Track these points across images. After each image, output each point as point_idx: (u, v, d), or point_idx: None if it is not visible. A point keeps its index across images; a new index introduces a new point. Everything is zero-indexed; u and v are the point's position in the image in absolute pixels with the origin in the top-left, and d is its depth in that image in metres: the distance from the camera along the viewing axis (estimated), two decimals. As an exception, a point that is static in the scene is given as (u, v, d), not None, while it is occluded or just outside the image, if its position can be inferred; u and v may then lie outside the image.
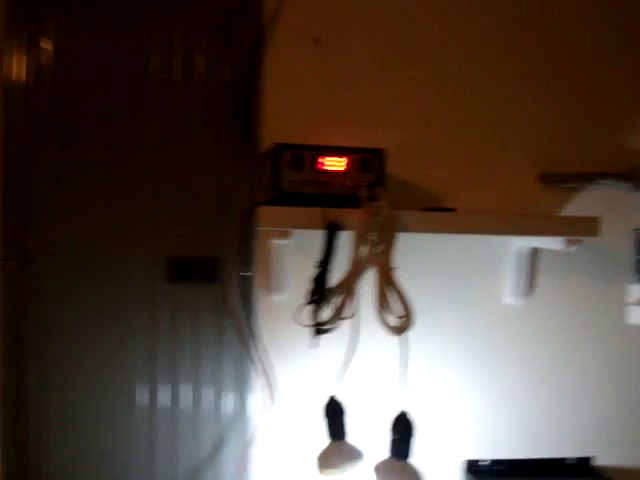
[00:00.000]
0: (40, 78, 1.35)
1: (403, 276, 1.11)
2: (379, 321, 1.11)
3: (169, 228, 1.40)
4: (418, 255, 1.45)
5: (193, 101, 1.39)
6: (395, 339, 1.12)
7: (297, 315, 1.15)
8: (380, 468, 1.14)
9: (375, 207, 1.13)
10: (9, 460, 1.39)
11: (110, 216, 1.38)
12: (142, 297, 1.40)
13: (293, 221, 1.16)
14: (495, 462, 1.51)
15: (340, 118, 1.42)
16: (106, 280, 1.39)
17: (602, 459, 1.55)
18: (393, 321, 1.11)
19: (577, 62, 1.49)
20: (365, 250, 1.13)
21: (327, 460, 1.18)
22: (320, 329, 1.13)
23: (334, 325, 1.14)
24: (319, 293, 1.12)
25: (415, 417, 1.14)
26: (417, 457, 1.14)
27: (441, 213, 1.22)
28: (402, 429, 1.12)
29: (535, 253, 1.49)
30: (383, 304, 1.11)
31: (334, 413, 1.20)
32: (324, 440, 1.20)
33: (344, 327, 1.15)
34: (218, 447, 1.44)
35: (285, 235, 1.19)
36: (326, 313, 1.15)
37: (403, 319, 1.11)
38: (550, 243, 1.32)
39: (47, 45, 1.35)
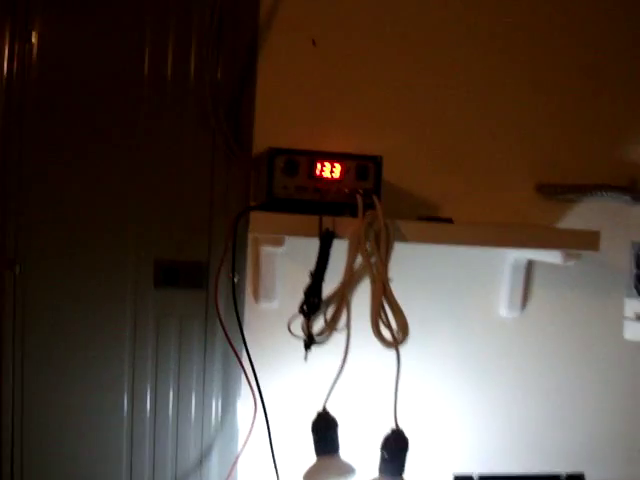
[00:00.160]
0: (27, 76, 1.30)
1: (396, 287, 1.08)
2: (374, 334, 1.07)
3: (156, 231, 1.35)
4: (411, 265, 1.41)
5: (184, 102, 1.34)
6: (389, 352, 1.09)
7: (289, 326, 1.11)
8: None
9: (371, 216, 1.09)
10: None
11: (96, 217, 1.33)
12: (127, 302, 1.35)
13: (286, 228, 1.12)
14: (486, 477, 1.48)
15: (336, 122, 1.39)
16: (91, 284, 1.34)
17: (595, 475, 1.52)
18: (388, 335, 1.08)
19: (577, 72, 1.46)
20: (360, 260, 1.09)
21: (316, 476, 1.14)
22: (312, 341, 1.09)
23: (326, 337, 1.11)
24: (312, 304, 1.08)
25: (407, 433, 1.10)
26: (407, 471, 1.10)
27: (439, 224, 1.19)
28: (394, 447, 1.08)
29: (531, 265, 1.46)
30: (378, 317, 1.07)
31: (325, 427, 1.16)
32: (314, 454, 1.16)
33: (336, 338, 1.11)
34: (204, 456, 1.39)
35: (278, 242, 1.15)
36: (318, 325, 1.11)
37: (398, 333, 1.07)
38: (548, 256, 1.30)
39: (34, 41, 1.30)
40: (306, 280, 1.10)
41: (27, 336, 1.33)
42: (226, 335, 1.29)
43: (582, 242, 1.23)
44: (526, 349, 1.48)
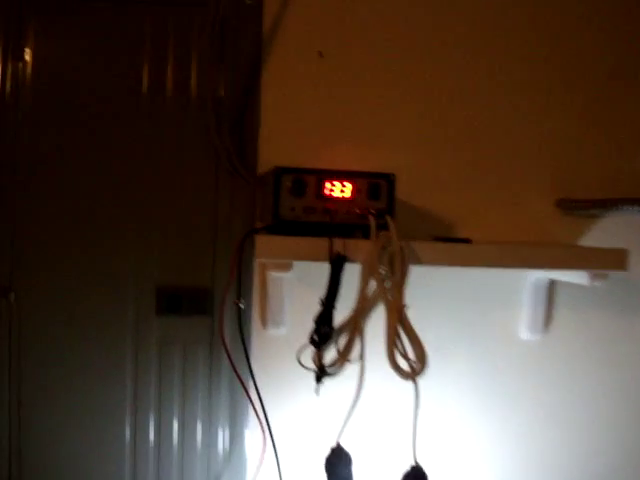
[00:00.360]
0: (20, 95, 1.25)
1: (411, 309, 1.01)
2: (390, 365, 1.00)
3: (158, 255, 1.29)
4: (426, 286, 1.34)
5: (185, 119, 1.28)
6: (406, 383, 1.01)
7: (298, 357, 1.04)
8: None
9: (385, 237, 1.02)
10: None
11: (93, 242, 1.27)
12: (128, 330, 1.29)
13: (294, 252, 1.05)
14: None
15: (345, 139, 1.32)
16: (89, 311, 1.28)
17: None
18: (405, 365, 1.01)
19: (599, 82, 1.38)
20: (374, 285, 1.02)
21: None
22: (323, 373, 1.02)
23: (339, 369, 1.03)
24: (322, 334, 1.01)
25: (426, 469, 1.03)
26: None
27: (456, 244, 1.12)
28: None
29: (553, 285, 1.38)
30: (394, 346, 0.99)
31: (338, 463, 1.08)
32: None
33: (350, 368, 1.04)
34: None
35: (286, 267, 1.08)
36: (330, 355, 1.04)
37: (416, 363, 1.00)
38: (572, 277, 1.22)
39: (28, 58, 1.25)
40: (317, 304, 1.03)
41: (23, 365, 1.28)
42: (232, 364, 1.22)
43: (609, 261, 1.16)
44: (549, 373, 1.40)
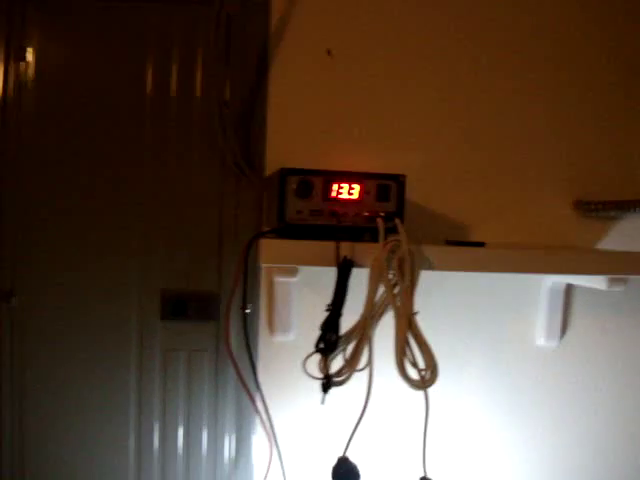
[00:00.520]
0: (22, 98, 1.23)
1: (422, 316, 0.97)
2: (399, 374, 0.96)
3: (162, 259, 1.26)
4: (439, 290, 1.30)
5: (190, 120, 1.25)
6: (416, 392, 0.97)
7: (304, 365, 1.00)
8: None
9: (394, 241, 0.98)
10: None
11: (98, 245, 1.25)
12: (132, 335, 1.26)
13: (300, 257, 1.01)
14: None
15: (354, 139, 1.28)
16: (91, 316, 1.25)
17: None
18: (415, 374, 0.97)
19: (617, 80, 1.33)
20: (382, 291, 0.98)
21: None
22: (330, 382, 0.98)
23: (346, 377, 0.99)
24: (329, 341, 0.97)
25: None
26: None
27: (469, 248, 1.07)
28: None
29: (570, 289, 1.33)
30: (403, 355, 0.96)
31: (345, 476, 1.04)
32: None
33: (358, 376, 1.00)
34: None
35: (291, 273, 1.05)
36: (337, 363, 1.00)
37: (426, 372, 0.96)
38: (590, 281, 1.17)
39: (30, 59, 1.23)
40: (326, 310, 0.99)
41: (25, 370, 1.25)
42: (237, 371, 1.19)
43: (628, 265, 1.11)
44: (566, 381, 1.36)
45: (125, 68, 1.24)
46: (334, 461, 1.04)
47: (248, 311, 1.23)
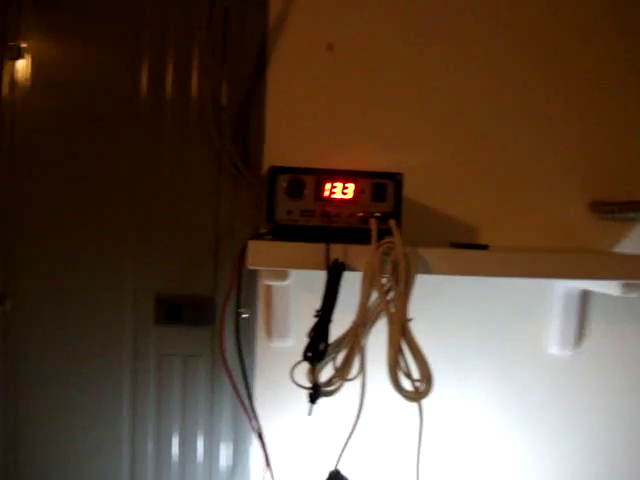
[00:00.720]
0: (16, 98, 1.21)
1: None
2: (391, 384, 0.91)
3: (156, 262, 1.22)
4: (447, 293, 1.25)
5: (186, 121, 1.21)
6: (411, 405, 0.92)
7: (291, 373, 0.95)
8: None
9: (387, 243, 0.92)
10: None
11: (92, 248, 1.22)
12: (125, 340, 1.23)
13: (289, 259, 0.97)
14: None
15: (356, 138, 1.23)
16: (85, 320, 1.22)
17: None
18: (408, 385, 0.91)
19: (633, 76, 1.25)
20: (376, 296, 0.93)
21: None
22: (317, 392, 0.93)
23: (336, 387, 0.94)
24: (318, 349, 0.92)
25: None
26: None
27: (469, 251, 1.01)
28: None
29: (586, 295, 1.26)
30: (396, 364, 0.90)
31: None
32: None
33: (354, 388, 0.95)
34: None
35: (281, 276, 1.00)
36: (328, 372, 0.95)
37: (420, 383, 0.90)
38: (605, 286, 1.10)
39: (25, 59, 1.21)
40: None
41: (18, 374, 1.23)
42: (231, 379, 1.15)
43: (645, 270, 1.03)
44: (580, 392, 1.29)
45: (121, 67, 1.21)
46: (325, 475, 1.00)
47: (245, 315, 1.20)
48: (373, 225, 0.95)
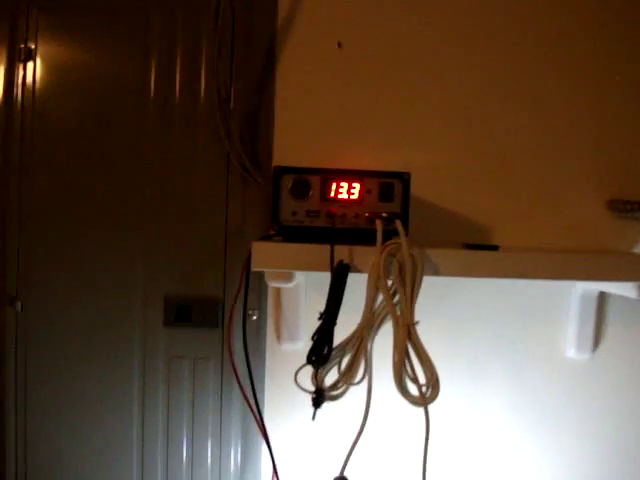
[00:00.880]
0: (25, 99, 1.21)
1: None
2: (397, 388, 0.89)
3: (165, 264, 1.22)
4: (459, 297, 1.22)
5: (194, 121, 1.20)
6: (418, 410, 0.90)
7: (295, 376, 0.94)
8: None
9: (393, 244, 0.90)
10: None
11: (100, 250, 1.22)
12: (134, 342, 1.22)
13: (294, 261, 0.95)
14: None
15: (367, 137, 1.21)
16: (95, 322, 1.22)
17: None
18: (415, 389, 0.89)
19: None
20: (381, 299, 0.91)
21: None
22: (321, 397, 0.91)
23: (341, 392, 0.93)
24: (322, 352, 0.90)
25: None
26: None
27: (479, 252, 0.98)
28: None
29: (603, 297, 1.22)
30: (402, 368, 0.88)
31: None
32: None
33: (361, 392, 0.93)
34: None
35: (286, 278, 0.99)
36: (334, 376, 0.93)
37: (427, 388, 0.88)
38: (624, 288, 1.06)
39: (35, 60, 1.21)
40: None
41: (29, 375, 1.23)
42: (239, 382, 1.14)
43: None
44: (598, 396, 1.25)
45: (129, 68, 1.21)
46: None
47: (255, 318, 1.19)
48: (379, 226, 0.93)
